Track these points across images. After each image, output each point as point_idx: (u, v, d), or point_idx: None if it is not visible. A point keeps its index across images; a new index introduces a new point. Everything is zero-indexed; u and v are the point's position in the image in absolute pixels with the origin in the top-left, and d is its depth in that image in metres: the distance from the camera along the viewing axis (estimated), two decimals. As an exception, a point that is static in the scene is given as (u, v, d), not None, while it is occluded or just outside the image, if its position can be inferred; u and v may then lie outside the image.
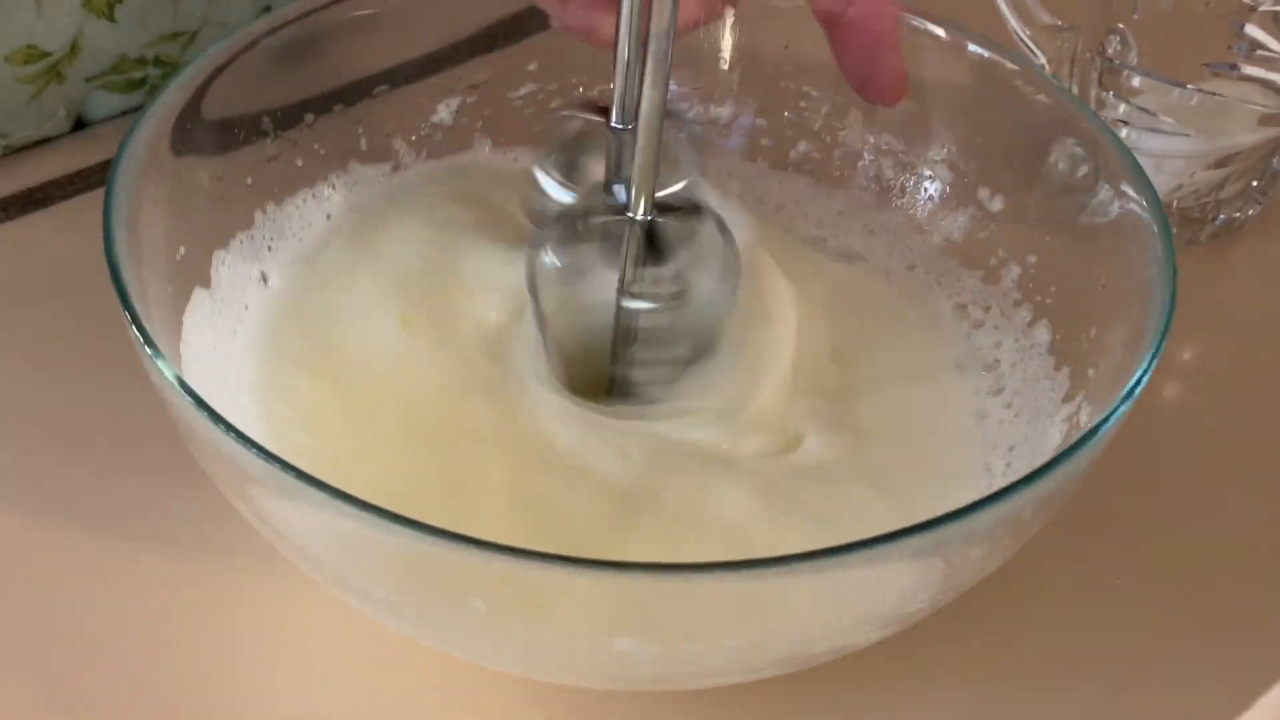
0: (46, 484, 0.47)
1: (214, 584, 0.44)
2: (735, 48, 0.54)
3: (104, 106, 0.59)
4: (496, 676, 0.42)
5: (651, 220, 0.42)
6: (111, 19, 0.55)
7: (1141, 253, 0.43)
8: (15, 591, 0.44)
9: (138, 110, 0.59)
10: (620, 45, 0.43)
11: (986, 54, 0.50)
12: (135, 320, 0.38)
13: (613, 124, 0.45)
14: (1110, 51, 0.57)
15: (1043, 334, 0.47)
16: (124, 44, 0.57)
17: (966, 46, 0.50)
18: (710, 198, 0.46)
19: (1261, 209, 0.60)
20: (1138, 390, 0.38)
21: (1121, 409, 0.38)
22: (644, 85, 0.39)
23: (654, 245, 0.43)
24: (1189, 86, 0.56)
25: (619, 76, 0.44)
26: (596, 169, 0.46)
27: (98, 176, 0.57)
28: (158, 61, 0.58)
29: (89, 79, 0.57)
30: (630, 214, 0.42)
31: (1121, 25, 0.57)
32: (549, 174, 0.47)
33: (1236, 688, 0.43)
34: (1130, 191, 0.44)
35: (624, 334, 0.44)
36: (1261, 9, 0.54)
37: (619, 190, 0.44)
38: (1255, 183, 0.58)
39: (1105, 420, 0.37)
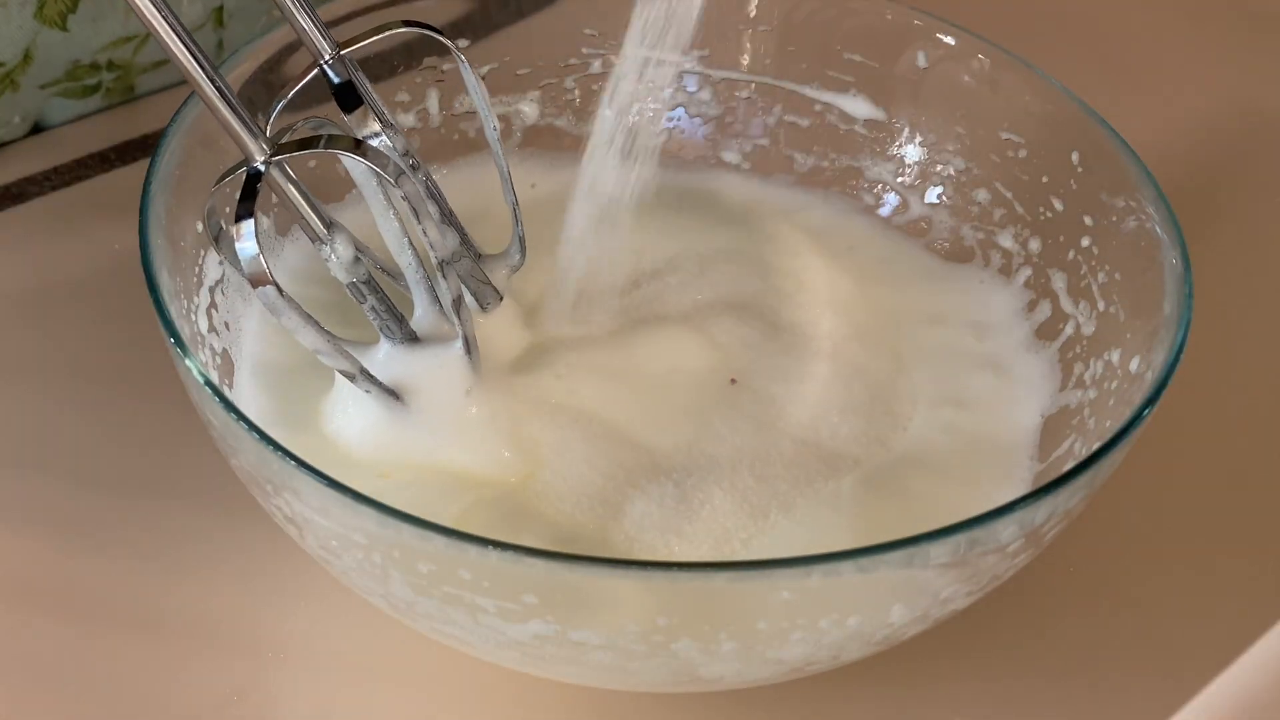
0: (29, 486, 0.47)
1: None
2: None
3: (61, 111, 0.60)
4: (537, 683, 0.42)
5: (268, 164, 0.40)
6: (64, 29, 0.56)
7: (1151, 258, 0.44)
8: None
9: (95, 114, 0.60)
10: None
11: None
12: (179, 342, 0.39)
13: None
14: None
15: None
16: (76, 50, 0.57)
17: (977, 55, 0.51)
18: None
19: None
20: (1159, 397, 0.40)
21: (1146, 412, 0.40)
22: None
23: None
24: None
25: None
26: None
27: (68, 175, 0.58)
28: (111, 66, 0.59)
29: (44, 85, 0.58)
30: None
31: None
32: None
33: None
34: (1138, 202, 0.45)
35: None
36: None
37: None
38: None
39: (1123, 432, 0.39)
